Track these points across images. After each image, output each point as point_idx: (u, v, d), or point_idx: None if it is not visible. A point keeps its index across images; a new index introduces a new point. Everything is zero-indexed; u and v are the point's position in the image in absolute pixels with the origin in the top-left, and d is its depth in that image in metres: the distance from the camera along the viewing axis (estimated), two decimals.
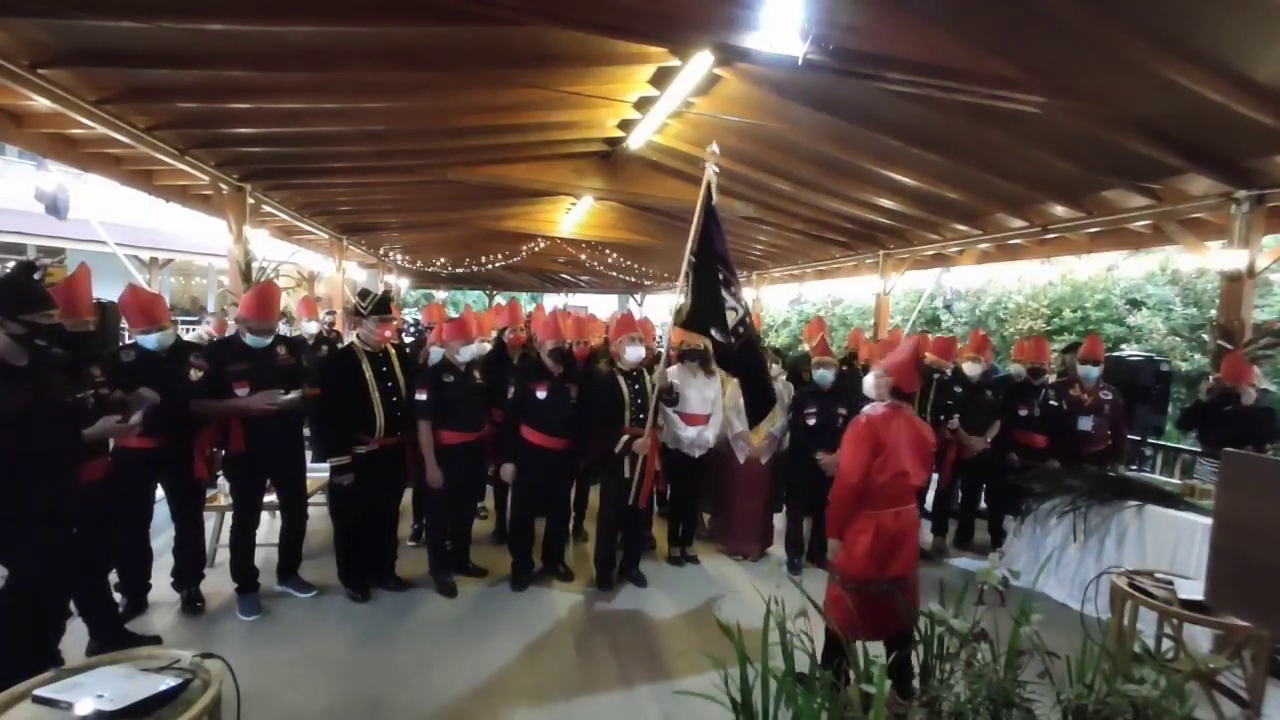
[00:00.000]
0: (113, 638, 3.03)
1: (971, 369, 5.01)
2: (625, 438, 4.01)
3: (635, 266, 14.25)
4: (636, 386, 4.11)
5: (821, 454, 4.41)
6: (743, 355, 3.78)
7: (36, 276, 2.73)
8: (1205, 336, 5.75)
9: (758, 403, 3.87)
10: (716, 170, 3.76)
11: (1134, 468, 5.57)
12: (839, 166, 6.31)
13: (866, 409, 2.97)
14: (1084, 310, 11.70)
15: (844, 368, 5.01)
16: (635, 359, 4.13)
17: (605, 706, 3.01)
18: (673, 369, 4.52)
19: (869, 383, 3.10)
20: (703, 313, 3.76)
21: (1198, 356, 9.86)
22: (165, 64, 4.11)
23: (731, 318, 3.74)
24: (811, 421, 4.50)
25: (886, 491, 2.82)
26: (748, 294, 14.19)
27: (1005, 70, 3.77)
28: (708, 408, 4.53)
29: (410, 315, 14.18)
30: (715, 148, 3.77)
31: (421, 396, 3.82)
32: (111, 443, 3.10)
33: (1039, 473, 4.60)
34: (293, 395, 3.57)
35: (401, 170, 7.37)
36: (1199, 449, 4.99)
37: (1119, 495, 4.13)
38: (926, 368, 4.60)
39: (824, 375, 4.52)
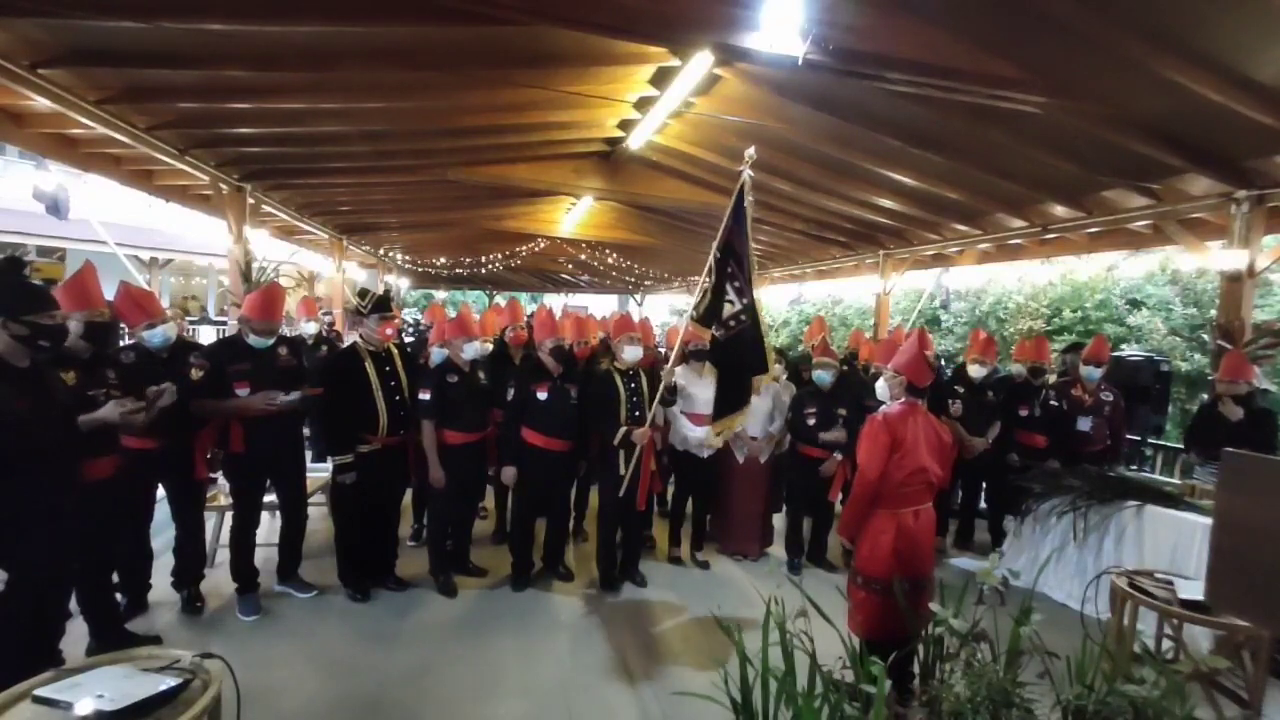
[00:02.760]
0: (113, 638, 3.03)
1: (977, 371, 5.00)
2: (623, 429, 4.01)
3: (635, 266, 14.25)
4: (633, 386, 4.10)
5: (826, 433, 4.44)
6: (727, 346, 3.80)
7: (25, 273, 2.71)
8: (1205, 336, 5.73)
9: (728, 398, 3.86)
10: (751, 175, 3.77)
11: (1134, 468, 5.56)
12: (839, 166, 6.30)
13: (882, 408, 2.97)
14: (1084, 310, 11.69)
15: (844, 368, 5.01)
16: (633, 359, 4.12)
17: (605, 706, 3.01)
18: (679, 368, 4.52)
19: (880, 387, 3.09)
20: (712, 308, 3.81)
21: (1198, 356, 9.86)
22: (165, 64, 4.10)
23: (728, 309, 3.77)
24: (811, 421, 4.50)
25: (906, 489, 2.82)
26: None
27: (1005, 70, 3.77)
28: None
29: (410, 315, 14.19)
30: (752, 151, 3.81)
31: (425, 396, 3.83)
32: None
33: (1039, 473, 4.60)
34: (292, 397, 3.58)
35: (401, 170, 7.36)
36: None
37: (1119, 495, 4.13)
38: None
39: (823, 376, 4.52)
